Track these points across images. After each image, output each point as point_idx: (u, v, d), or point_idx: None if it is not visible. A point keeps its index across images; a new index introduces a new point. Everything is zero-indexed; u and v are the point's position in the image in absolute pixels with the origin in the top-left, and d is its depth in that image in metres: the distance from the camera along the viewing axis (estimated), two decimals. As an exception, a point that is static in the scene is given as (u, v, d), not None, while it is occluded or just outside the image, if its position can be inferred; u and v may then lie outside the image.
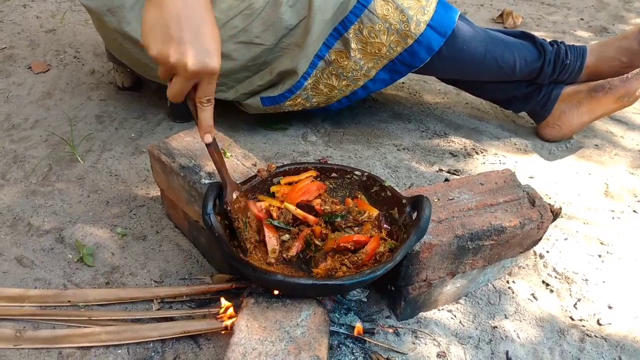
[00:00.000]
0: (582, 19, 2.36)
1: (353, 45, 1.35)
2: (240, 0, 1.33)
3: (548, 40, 1.53)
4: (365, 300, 1.07)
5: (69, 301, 1.07)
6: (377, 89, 1.47)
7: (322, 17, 1.33)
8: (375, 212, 0.99)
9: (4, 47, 1.95)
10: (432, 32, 1.35)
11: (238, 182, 1.01)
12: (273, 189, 1.04)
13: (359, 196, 1.04)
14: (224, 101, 1.51)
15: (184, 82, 0.84)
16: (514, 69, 1.47)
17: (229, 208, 0.92)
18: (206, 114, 0.89)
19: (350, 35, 1.34)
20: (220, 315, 0.98)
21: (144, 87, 1.73)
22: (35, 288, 1.11)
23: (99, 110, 1.65)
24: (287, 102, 1.44)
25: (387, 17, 1.32)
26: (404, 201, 0.97)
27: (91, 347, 0.99)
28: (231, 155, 1.13)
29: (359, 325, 0.97)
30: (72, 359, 0.98)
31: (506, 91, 1.56)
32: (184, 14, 0.81)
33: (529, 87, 1.54)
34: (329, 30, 1.34)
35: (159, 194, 1.31)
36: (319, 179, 1.07)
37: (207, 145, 0.93)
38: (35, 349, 0.99)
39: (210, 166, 1.12)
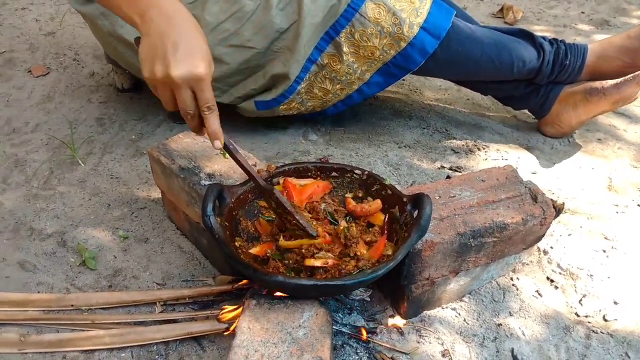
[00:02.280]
0: (583, 12, 2.35)
1: (345, 49, 1.33)
2: (231, 4, 1.32)
3: (549, 37, 1.51)
4: (368, 299, 1.07)
5: (72, 305, 1.07)
6: (373, 92, 1.45)
7: (312, 20, 1.31)
8: (381, 219, 0.99)
9: (4, 51, 1.95)
10: (425, 34, 1.33)
11: (237, 184, 1.01)
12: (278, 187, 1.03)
13: (367, 198, 1.04)
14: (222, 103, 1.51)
15: (178, 92, 0.85)
16: (511, 69, 1.45)
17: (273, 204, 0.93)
18: (210, 121, 0.89)
19: (342, 39, 1.33)
20: (222, 317, 0.97)
21: (144, 88, 1.73)
22: (38, 292, 1.11)
23: (99, 113, 1.65)
24: (282, 107, 1.44)
25: (379, 20, 1.30)
26: (404, 199, 0.97)
27: (95, 350, 0.99)
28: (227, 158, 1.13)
29: (363, 331, 0.96)
30: (75, 363, 0.98)
31: (504, 90, 1.55)
32: (166, 33, 0.84)
33: (527, 87, 1.52)
34: (320, 34, 1.33)
35: (160, 195, 1.31)
36: (319, 178, 1.07)
37: (227, 150, 0.93)
38: (40, 353, 0.99)
39: (209, 167, 1.12)
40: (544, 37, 1.50)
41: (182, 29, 0.86)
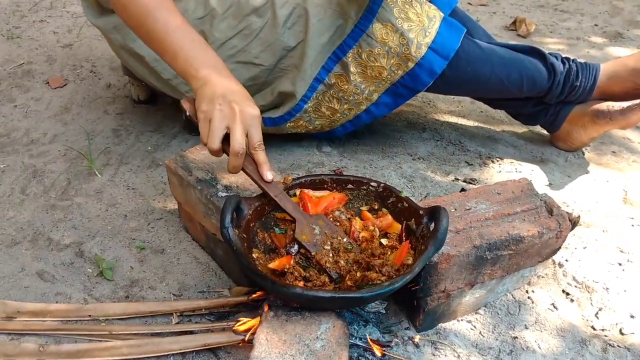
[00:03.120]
0: (596, 25, 2.35)
1: (352, 69, 1.34)
2: (239, 20, 1.33)
3: (562, 56, 1.49)
4: (383, 311, 1.07)
5: (90, 315, 1.08)
6: (381, 113, 1.44)
7: (319, 40, 1.32)
8: (397, 228, 0.99)
9: (22, 63, 1.98)
10: (434, 54, 1.32)
11: (255, 195, 1.02)
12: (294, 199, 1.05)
13: (382, 209, 1.05)
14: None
15: (236, 130, 0.96)
16: (520, 89, 1.45)
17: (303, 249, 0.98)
18: (260, 156, 1.00)
19: (349, 59, 1.33)
20: (237, 328, 0.98)
21: (160, 100, 1.75)
22: (57, 302, 1.12)
23: (115, 124, 1.67)
24: (289, 124, 1.44)
25: (386, 41, 1.30)
26: (421, 212, 0.97)
27: (112, 360, 1.00)
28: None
29: (378, 348, 0.96)
30: (93, 373, 0.98)
31: (513, 107, 1.55)
32: (221, 83, 1.01)
33: (536, 105, 1.52)
34: (328, 54, 1.34)
35: (176, 207, 1.32)
36: (335, 190, 1.08)
37: (268, 189, 1.00)
38: (57, 363, 1.00)
39: (227, 179, 1.13)
40: (556, 56, 1.48)
41: (235, 87, 1.02)
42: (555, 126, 1.53)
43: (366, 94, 1.38)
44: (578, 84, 1.45)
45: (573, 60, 1.49)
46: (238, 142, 0.95)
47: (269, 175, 0.99)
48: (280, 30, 1.33)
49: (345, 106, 1.40)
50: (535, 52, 1.48)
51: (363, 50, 1.31)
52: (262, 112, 1.44)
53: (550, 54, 1.48)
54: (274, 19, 1.33)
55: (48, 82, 1.87)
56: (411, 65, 1.33)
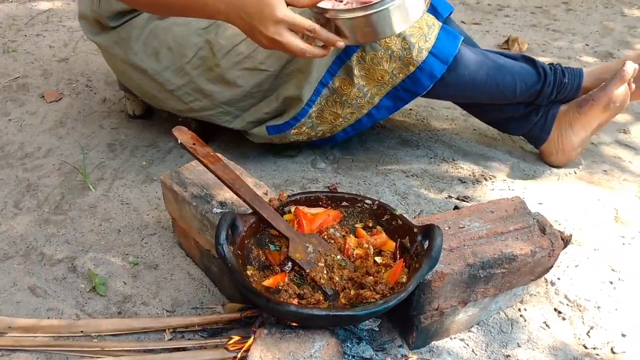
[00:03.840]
0: (587, 45, 2.38)
1: (356, 72, 1.37)
2: None
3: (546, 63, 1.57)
4: (377, 329, 1.07)
5: (82, 331, 1.08)
6: (382, 117, 1.48)
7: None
8: (391, 246, 1.00)
9: (18, 77, 1.99)
10: (434, 59, 1.37)
11: (249, 212, 1.02)
12: (286, 217, 1.05)
13: (377, 227, 1.05)
14: (234, 130, 1.53)
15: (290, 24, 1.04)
16: (514, 92, 1.50)
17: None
18: (322, 33, 1.07)
19: (353, 63, 1.36)
20: (230, 346, 0.98)
21: (155, 115, 1.76)
22: (49, 318, 1.12)
23: (110, 139, 1.67)
24: (293, 131, 1.46)
25: (389, 45, 1.34)
26: (415, 230, 0.98)
27: (104, 377, 0.99)
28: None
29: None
30: (85, 389, 0.98)
31: (505, 112, 1.58)
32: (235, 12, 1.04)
33: (526, 107, 1.56)
34: (333, 58, 1.36)
35: (170, 222, 1.32)
36: (330, 207, 1.08)
37: (260, 209, 1.02)
38: (48, 379, 0.99)
39: (221, 195, 1.13)
40: (543, 62, 1.56)
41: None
42: (546, 130, 1.57)
43: (368, 97, 1.41)
44: (566, 81, 1.53)
45: (557, 64, 1.57)
46: (303, 25, 1.04)
47: (340, 44, 1.09)
48: None
49: (348, 110, 1.42)
50: (525, 58, 1.55)
51: (367, 54, 1.34)
52: (266, 120, 1.47)
53: None
54: None
55: (43, 96, 1.87)
56: (412, 69, 1.36)
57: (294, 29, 1.04)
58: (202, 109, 1.46)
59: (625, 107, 1.54)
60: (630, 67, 1.48)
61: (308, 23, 1.04)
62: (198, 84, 1.41)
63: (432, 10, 1.45)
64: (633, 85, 1.50)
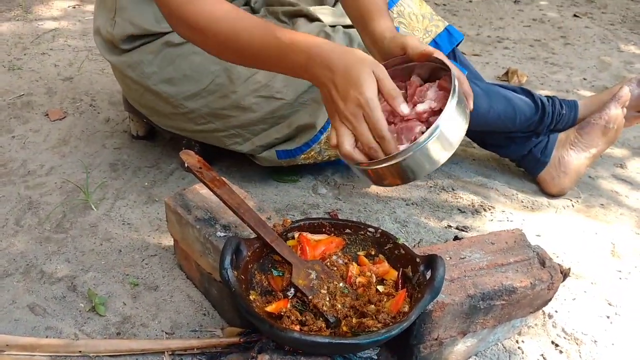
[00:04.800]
0: (584, 79, 2.42)
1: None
2: None
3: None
4: (375, 357, 1.07)
5: (80, 351, 1.07)
6: None
7: None
8: (394, 275, 1.00)
9: (22, 94, 2.00)
10: None
11: (254, 237, 1.03)
12: (290, 243, 1.06)
13: (379, 255, 1.06)
14: (237, 154, 1.54)
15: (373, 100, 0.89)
16: (514, 122, 1.57)
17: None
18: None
19: None
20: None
21: (158, 136, 1.77)
22: (47, 337, 1.11)
23: (113, 159, 1.68)
24: (302, 156, 1.48)
25: None
26: (417, 260, 0.99)
27: (101, 399, 0.99)
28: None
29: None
30: (82, 411, 0.97)
31: (506, 137, 1.63)
32: (329, 77, 0.94)
33: (526, 133, 1.62)
34: None
35: (171, 243, 1.33)
36: (333, 234, 1.09)
37: (264, 234, 1.01)
38: (46, 400, 0.99)
39: (225, 219, 1.14)
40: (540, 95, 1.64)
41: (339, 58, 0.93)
42: (547, 153, 1.62)
43: None
44: (564, 112, 1.61)
45: (553, 96, 1.65)
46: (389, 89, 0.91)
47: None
48: None
49: None
50: (524, 91, 1.63)
51: None
52: (275, 145, 1.49)
53: None
54: None
55: (47, 114, 1.88)
56: None
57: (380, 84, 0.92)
58: (214, 130, 1.48)
59: (620, 132, 1.62)
60: (625, 91, 1.59)
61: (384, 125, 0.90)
62: (212, 108, 1.43)
63: (435, 45, 1.50)
64: (625, 110, 1.60)
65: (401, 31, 1.42)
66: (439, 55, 0.97)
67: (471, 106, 0.95)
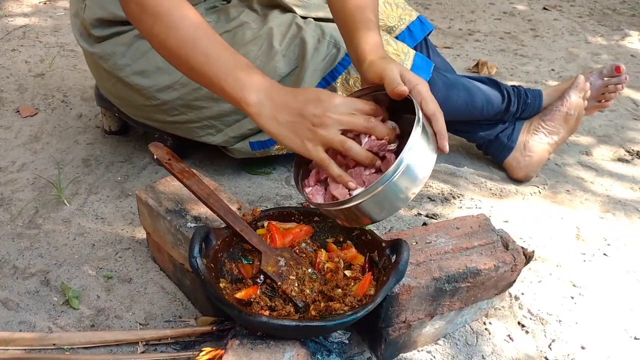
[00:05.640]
0: (553, 70, 2.47)
1: (340, 94, 1.41)
2: (236, 49, 1.39)
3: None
4: (346, 341, 1.09)
5: (54, 344, 1.08)
6: None
7: (314, 67, 1.40)
8: (361, 260, 1.03)
9: (-8, 91, 1.99)
10: None
11: (223, 226, 1.05)
12: (259, 231, 1.08)
13: (347, 241, 1.09)
14: (210, 146, 1.55)
15: (352, 120, 0.91)
16: (482, 112, 1.61)
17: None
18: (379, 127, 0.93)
19: (338, 85, 1.42)
20: (202, 357, 0.99)
21: (131, 131, 1.77)
22: (20, 331, 1.12)
23: (85, 154, 1.68)
24: (276, 146, 1.50)
25: None
26: (383, 244, 1.01)
27: (75, 390, 1.00)
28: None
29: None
30: (56, 402, 0.98)
31: (473, 125, 1.68)
32: (284, 102, 0.93)
33: (493, 121, 1.67)
34: (318, 80, 1.42)
35: (144, 236, 1.34)
36: (302, 222, 1.11)
37: (234, 223, 1.01)
38: (19, 392, 1.00)
39: (196, 210, 1.15)
40: (506, 85, 1.69)
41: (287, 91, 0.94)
42: (514, 138, 1.67)
43: None
44: (529, 101, 1.67)
45: (519, 85, 1.70)
46: (363, 125, 0.91)
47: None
48: (277, 57, 1.40)
49: None
50: (491, 82, 1.67)
51: (351, 77, 1.41)
52: (248, 136, 1.50)
53: None
54: (269, 47, 1.40)
55: (18, 111, 1.87)
56: None
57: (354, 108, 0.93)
58: (187, 122, 1.48)
59: (581, 120, 1.67)
60: (581, 79, 1.65)
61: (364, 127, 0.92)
62: (186, 100, 1.44)
63: (409, 33, 1.56)
64: (586, 102, 1.65)
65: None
66: (416, 95, 0.93)
67: (445, 148, 0.93)
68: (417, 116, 0.87)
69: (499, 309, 1.24)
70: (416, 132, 0.86)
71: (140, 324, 1.15)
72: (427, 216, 1.50)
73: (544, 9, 3.19)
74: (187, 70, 1.00)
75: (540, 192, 1.65)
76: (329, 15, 1.38)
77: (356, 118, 0.91)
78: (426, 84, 0.95)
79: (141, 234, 1.37)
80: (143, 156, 1.68)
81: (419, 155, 0.87)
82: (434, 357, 1.12)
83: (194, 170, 1.11)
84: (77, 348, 1.08)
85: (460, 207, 1.56)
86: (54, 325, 1.14)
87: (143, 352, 1.08)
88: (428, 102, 0.93)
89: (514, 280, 1.17)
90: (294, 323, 0.87)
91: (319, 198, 0.97)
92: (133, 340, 1.10)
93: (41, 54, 2.28)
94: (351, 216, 0.91)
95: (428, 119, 0.92)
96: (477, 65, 2.41)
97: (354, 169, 0.95)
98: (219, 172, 1.62)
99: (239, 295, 0.95)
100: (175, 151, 1.13)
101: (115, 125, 1.75)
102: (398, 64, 0.96)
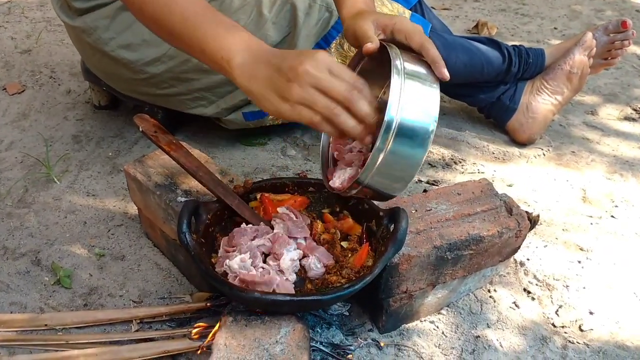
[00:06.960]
0: (555, 28, 2.39)
1: (334, 59, 1.36)
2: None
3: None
4: (347, 314, 1.06)
5: (46, 325, 1.05)
6: None
7: (306, 32, 1.35)
8: (358, 230, 0.99)
9: (-22, 69, 1.93)
10: None
11: (213, 200, 1.01)
12: (252, 204, 1.03)
13: (344, 212, 1.04)
14: (202, 117, 1.50)
15: (325, 82, 0.78)
16: (482, 73, 1.56)
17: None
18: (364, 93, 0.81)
19: (332, 50, 1.37)
20: (194, 334, 0.96)
21: (121, 105, 1.72)
22: (11, 312, 1.09)
23: (75, 130, 1.63)
24: (270, 116, 1.45)
25: None
26: (381, 213, 0.97)
27: (69, 371, 0.97)
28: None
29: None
30: (48, 384, 0.96)
31: (474, 88, 1.63)
32: (265, 57, 0.82)
33: (494, 82, 1.62)
34: (311, 46, 1.37)
35: (136, 213, 1.30)
36: (297, 193, 1.07)
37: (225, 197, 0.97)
38: (11, 375, 0.97)
39: (186, 184, 1.11)
40: (507, 44, 1.63)
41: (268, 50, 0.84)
42: (516, 100, 1.61)
43: None
44: (531, 60, 1.61)
45: (520, 45, 1.64)
46: (336, 91, 0.78)
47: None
48: (267, 25, 1.35)
49: None
50: (491, 42, 1.61)
51: (344, 41, 1.36)
52: (241, 107, 1.45)
53: None
54: (259, 15, 1.35)
55: (5, 89, 1.82)
56: None
57: (334, 68, 0.81)
58: (177, 94, 1.43)
59: (585, 79, 1.60)
60: (589, 36, 1.57)
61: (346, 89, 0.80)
62: (175, 72, 1.38)
63: None
64: (591, 60, 1.59)
65: None
66: (397, 33, 0.86)
67: (444, 75, 0.84)
68: (392, 65, 0.78)
69: (504, 276, 1.20)
70: (395, 88, 0.77)
71: (134, 301, 1.12)
72: (427, 182, 1.46)
73: (546, -34, 3.09)
74: (167, 36, 0.92)
75: (544, 155, 1.60)
76: None
77: (338, 82, 0.78)
78: (405, 18, 0.88)
79: (133, 210, 1.33)
80: (134, 130, 1.63)
81: (413, 102, 0.79)
82: (438, 327, 1.09)
83: (183, 143, 1.07)
84: (70, 328, 1.06)
85: (462, 173, 1.51)
86: (45, 306, 1.11)
87: (137, 331, 1.05)
88: (412, 35, 0.85)
89: (519, 246, 1.12)
90: (287, 298, 0.84)
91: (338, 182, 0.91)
92: (127, 318, 1.07)
93: (27, 29, 2.21)
94: (375, 194, 0.84)
95: (417, 52, 0.85)
96: (476, 26, 2.34)
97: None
98: (213, 144, 1.57)
99: None
100: (167, 124, 1.09)
101: (105, 99, 1.70)
102: (370, 14, 0.88)
